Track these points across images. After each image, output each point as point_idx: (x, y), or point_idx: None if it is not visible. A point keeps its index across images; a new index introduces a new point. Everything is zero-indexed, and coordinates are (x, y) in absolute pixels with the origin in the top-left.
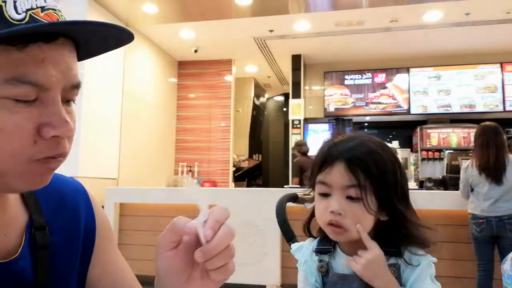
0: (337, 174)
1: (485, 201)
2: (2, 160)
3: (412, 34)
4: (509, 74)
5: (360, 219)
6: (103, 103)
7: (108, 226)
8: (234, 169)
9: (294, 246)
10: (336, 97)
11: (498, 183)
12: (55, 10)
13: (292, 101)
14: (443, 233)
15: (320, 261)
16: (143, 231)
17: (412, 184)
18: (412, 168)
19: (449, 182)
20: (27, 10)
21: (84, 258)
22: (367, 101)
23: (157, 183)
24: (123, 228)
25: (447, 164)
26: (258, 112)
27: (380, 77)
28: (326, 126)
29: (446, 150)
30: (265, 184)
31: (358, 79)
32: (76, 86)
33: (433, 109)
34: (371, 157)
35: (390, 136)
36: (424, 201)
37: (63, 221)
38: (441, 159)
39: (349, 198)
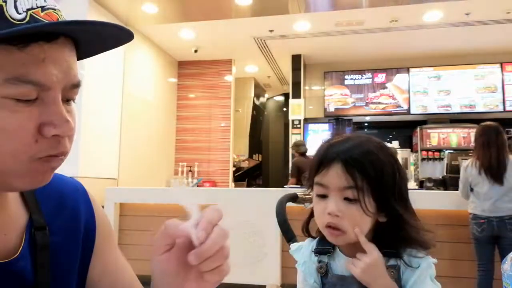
0: (334, 176)
1: (485, 201)
2: (3, 159)
3: (412, 34)
4: (509, 74)
5: (358, 221)
6: (103, 103)
7: (108, 226)
8: (234, 169)
9: (293, 246)
10: (336, 97)
11: (498, 183)
12: (55, 9)
13: (292, 101)
14: (443, 233)
15: (320, 261)
16: (143, 231)
17: (412, 184)
18: (412, 168)
19: (449, 182)
20: (28, 9)
21: (84, 258)
22: (367, 101)
23: (157, 183)
24: (123, 228)
25: (447, 164)
26: (258, 112)
27: (380, 77)
28: (326, 126)
29: (446, 150)
30: (265, 184)
31: (358, 79)
32: (76, 86)
33: (433, 109)
34: (368, 158)
35: (390, 136)
36: (424, 201)
37: (63, 221)
38: (441, 159)
39: (346, 199)
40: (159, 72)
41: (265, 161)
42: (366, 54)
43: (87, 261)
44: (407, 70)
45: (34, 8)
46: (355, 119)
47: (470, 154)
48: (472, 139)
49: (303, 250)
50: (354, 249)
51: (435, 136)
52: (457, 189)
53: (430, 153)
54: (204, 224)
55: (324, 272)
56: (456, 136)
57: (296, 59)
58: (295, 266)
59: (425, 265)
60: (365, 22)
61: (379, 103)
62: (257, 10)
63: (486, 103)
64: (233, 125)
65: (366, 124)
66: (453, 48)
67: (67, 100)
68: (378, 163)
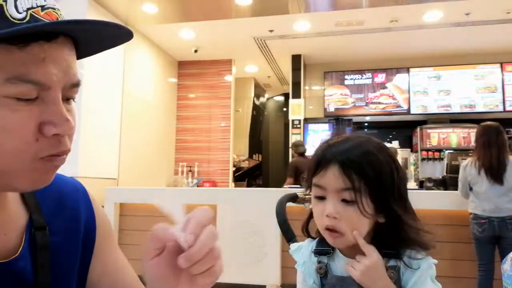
0: (331, 177)
1: (485, 200)
2: (5, 159)
3: (412, 34)
4: (509, 74)
5: (356, 223)
6: (103, 103)
7: (108, 226)
8: (234, 169)
9: (293, 246)
10: (336, 97)
11: (498, 183)
12: (54, 9)
13: (292, 101)
14: (443, 233)
15: (319, 262)
16: (143, 231)
17: (412, 184)
18: (412, 168)
19: (449, 182)
20: (28, 9)
21: (84, 258)
22: (367, 101)
23: (157, 183)
24: (123, 228)
25: (447, 164)
26: (258, 112)
27: (380, 77)
28: (326, 126)
29: (446, 150)
30: (265, 184)
31: (358, 79)
32: (76, 85)
33: (433, 109)
34: (366, 159)
35: (390, 136)
36: (424, 201)
37: (63, 221)
38: (441, 159)
39: (344, 201)
40: (159, 72)
41: (265, 161)
42: (366, 54)
43: (87, 261)
44: (407, 70)
45: (34, 8)
46: (355, 119)
47: (470, 154)
48: (472, 139)
49: (303, 250)
50: (353, 250)
51: (435, 136)
52: (457, 189)
53: (430, 153)
54: (193, 226)
55: (323, 273)
56: (456, 136)
57: (296, 59)
58: (295, 266)
59: (425, 266)
60: (365, 22)
61: (379, 103)
62: (257, 10)
63: (486, 103)
64: (233, 125)
65: (366, 124)
66: (453, 48)
67: (67, 99)
68: (376, 164)
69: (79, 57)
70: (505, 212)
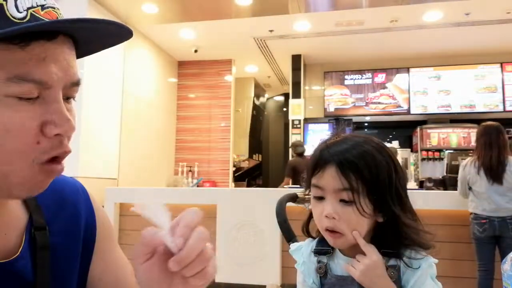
0: (329, 178)
1: (485, 200)
2: (7, 160)
3: (412, 34)
4: (509, 74)
5: (355, 223)
6: (103, 103)
7: (109, 226)
8: (234, 169)
9: (293, 246)
10: (336, 97)
11: (497, 183)
12: (54, 8)
13: (292, 101)
14: (443, 233)
15: (319, 262)
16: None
17: (412, 184)
18: (412, 168)
19: (449, 182)
20: (28, 8)
21: (85, 258)
22: (367, 101)
23: (157, 183)
24: (123, 228)
25: (447, 164)
26: (258, 112)
27: (380, 77)
28: (326, 126)
29: (446, 150)
30: (265, 184)
31: (358, 79)
32: (76, 84)
33: (433, 109)
34: (364, 159)
35: (390, 136)
36: (424, 201)
37: (63, 221)
38: (441, 159)
39: (343, 201)
40: (159, 72)
41: (265, 161)
42: (366, 54)
43: (87, 261)
44: (407, 70)
45: (34, 7)
46: (355, 119)
47: (470, 154)
48: (472, 139)
49: (303, 250)
50: (354, 250)
51: (435, 136)
52: (457, 189)
53: (430, 153)
54: (182, 229)
55: (323, 273)
56: (456, 136)
57: (296, 59)
58: (294, 266)
59: (425, 265)
60: (365, 22)
61: (379, 103)
62: (257, 10)
63: (486, 103)
64: (233, 125)
65: (366, 124)
66: (453, 48)
67: (67, 98)
68: (374, 164)
69: (79, 56)
70: (505, 212)
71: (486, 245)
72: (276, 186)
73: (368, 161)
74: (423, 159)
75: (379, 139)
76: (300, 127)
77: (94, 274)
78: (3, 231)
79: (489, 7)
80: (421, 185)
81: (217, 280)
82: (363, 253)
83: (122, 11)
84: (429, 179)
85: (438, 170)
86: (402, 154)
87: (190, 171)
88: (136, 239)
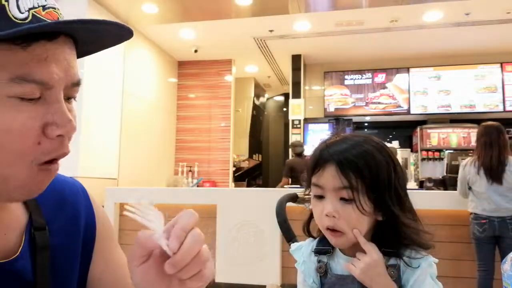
0: (329, 176)
1: (484, 200)
2: (8, 160)
3: (412, 34)
4: (509, 74)
5: (355, 221)
6: (103, 103)
7: (109, 226)
8: (234, 169)
9: (294, 246)
10: (336, 97)
11: (497, 183)
12: (55, 8)
13: (292, 101)
14: (443, 233)
15: (319, 261)
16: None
17: (412, 184)
18: (412, 168)
19: (449, 182)
20: (30, 9)
21: (85, 258)
22: (367, 101)
23: (157, 183)
24: (123, 228)
25: (447, 164)
26: (258, 112)
27: (380, 77)
28: (326, 126)
29: (446, 150)
30: (265, 184)
31: (358, 79)
32: (77, 84)
33: (433, 109)
34: (364, 158)
35: (390, 136)
36: (424, 201)
37: (63, 221)
38: (441, 159)
39: (343, 199)
40: (159, 72)
41: (265, 161)
42: (366, 54)
43: (87, 261)
44: (407, 70)
45: (36, 7)
46: (355, 119)
47: (470, 154)
48: (472, 139)
49: (303, 250)
50: (354, 249)
51: (435, 136)
52: (457, 189)
53: (430, 153)
54: (177, 231)
55: (323, 272)
56: (456, 136)
57: (296, 59)
58: (295, 266)
59: (425, 265)
60: (365, 22)
61: (379, 103)
62: (257, 10)
63: (486, 103)
64: (233, 125)
65: (366, 124)
66: (453, 48)
67: (67, 98)
68: (373, 163)
69: (79, 56)
70: (505, 212)
71: (486, 245)
72: (276, 186)
73: (368, 161)
74: (423, 159)
75: (378, 139)
76: (300, 127)
77: (94, 274)
78: (3, 231)
79: (489, 7)
80: (421, 185)
81: (217, 280)
82: (364, 252)
83: (122, 11)
84: (429, 179)
85: (438, 170)
86: (402, 154)
87: (190, 171)
88: (135, 239)
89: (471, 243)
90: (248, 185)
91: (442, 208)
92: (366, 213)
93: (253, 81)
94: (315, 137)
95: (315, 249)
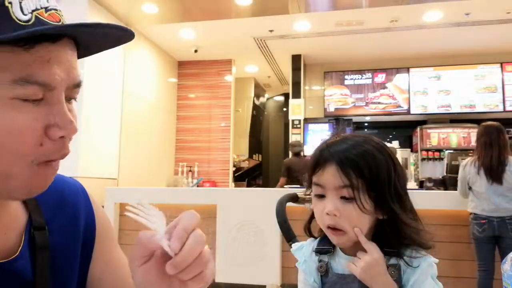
0: (330, 176)
1: (484, 200)
2: (10, 161)
3: (412, 34)
4: (509, 74)
5: (355, 219)
6: (103, 103)
7: (108, 226)
8: (234, 169)
9: (295, 245)
10: (336, 97)
11: (497, 182)
12: (56, 10)
13: (292, 101)
14: (443, 233)
15: (320, 261)
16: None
17: (412, 184)
18: (412, 168)
19: (449, 182)
20: (33, 11)
21: (85, 258)
22: (367, 101)
23: (157, 183)
24: (123, 228)
25: (447, 164)
26: (258, 112)
27: (380, 77)
28: (326, 126)
29: (446, 150)
30: (265, 184)
31: (358, 79)
32: (78, 85)
33: (433, 109)
34: (364, 158)
35: (390, 136)
36: (424, 201)
37: (63, 221)
38: (441, 159)
39: (343, 198)
40: (159, 72)
41: (265, 161)
42: (366, 54)
43: (87, 261)
44: (407, 70)
45: (38, 9)
46: (355, 119)
47: (470, 154)
48: (472, 139)
49: (304, 249)
50: (354, 248)
51: (435, 136)
52: (457, 189)
53: (430, 153)
54: (179, 232)
55: (324, 271)
56: (456, 136)
57: (296, 59)
58: (295, 266)
59: (425, 265)
60: (365, 22)
61: (379, 103)
62: (257, 10)
63: (486, 103)
64: (233, 125)
65: (366, 124)
66: (453, 48)
67: (68, 99)
68: (373, 162)
69: (79, 56)
70: (504, 212)
71: (486, 245)
72: (276, 186)
73: (368, 160)
74: (423, 159)
75: (378, 139)
76: (300, 127)
77: (93, 274)
78: (2, 230)
79: (489, 7)
80: (421, 185)
81: (217, 280)
82: (365, 251)
83: (122, 11)
84: (429, 179)
85: (438, 170)
86: (402, 154)
87: (190, 171)
88: (136, 239)
89: (471, 243)
90: (248, 185)
91: (442, 208)
92: (366, 211)
93: (253, 81)
94: (315, 137)
95: (316, 248)
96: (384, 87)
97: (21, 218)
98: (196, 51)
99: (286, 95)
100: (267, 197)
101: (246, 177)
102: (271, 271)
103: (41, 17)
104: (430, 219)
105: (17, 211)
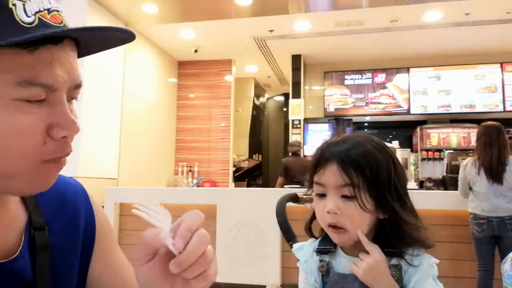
0: (330, 175)
1: (484, 200)
2: (13, 160)
3: (412, 34)
4: (509, 74)
5: (356, 218)
6: (103, 103)
7: (108, 226)
8: (234, 169)
9: (296, 245)
10: (336, 97)
11: (498, 182)
12: (58, 11)
13: (292, 101)
14: (443, 233)
15: (321, 261)
16: (143, 231)
17: (412, 184)
18: (412, 168)
19: (449, 182)
20: (36, 12)
21: (84, 258)
22: (367, 101)
23: (157, 183)
24: (123, 228)
25: (447, 164)
26: (258, 112)
27: (380, 77)
28: (326, 126)
29: (446, 150)
30: (265, 184)
31: (358, 79)
32: (79, 86)
33: (433, 109)
34: (365, 158)
35: (390, 136)
36: (424, 201)
37: (63, 221)
38: (441, 159)
39: (344, 197)
40: (159, 72)
41: (265, 161)
42: (366, 54)
43: (87, 261)
44: (407, 70)
45: (41, 11)
46: (355, 119)
47: (470, 154)
48: (472, 139)
49: (305, 249)
50: (356, 248)
51: (435, 136)
52: (457, 189)
53: (430, 153)
54: (183, 232)
55: (325, 271)
56: (456, 136)
57: (296, 59)
58: (295, 266)
59: (426, 265)
60: (365, 22)
61: (379, 103)
62: (257, 10)
63: (486, 103)
64: (233, 125)
65: (366, 124)
66: (453, 48)
67: (69, 99)
68: (374, 162)
69: (79, 56)
70: (504, 212)
71: (486, 245)
72: (276, 186)
73: (369, 160)
74: (423, 159)
75: (379, 139)
76: (300, 127)
77: (93, 274)
78: (2, 230)
79: (489, 7)
80: (421, 185)
81: (217, 280)
82: (366, 251)
83: (122, 11)
84: (429, 179)
85: (438, 170)
86: (402, 154)
87: (190, 171)
88: (136, 239)
89: (471, 243)
90: (248, 185)
91: (442, 208)
92: (367, 210)
93: (253, 81)
94: (315, 137)
95: (317, 248)
96: (384, 87)
97: (21, 218)
98: (196, 51)
99: (286, 95)
100: (267, 197)
101: (246, 177)
102: (271, 271)
103: (44, 19)
104: (430, 219)
105: (17, 211)
